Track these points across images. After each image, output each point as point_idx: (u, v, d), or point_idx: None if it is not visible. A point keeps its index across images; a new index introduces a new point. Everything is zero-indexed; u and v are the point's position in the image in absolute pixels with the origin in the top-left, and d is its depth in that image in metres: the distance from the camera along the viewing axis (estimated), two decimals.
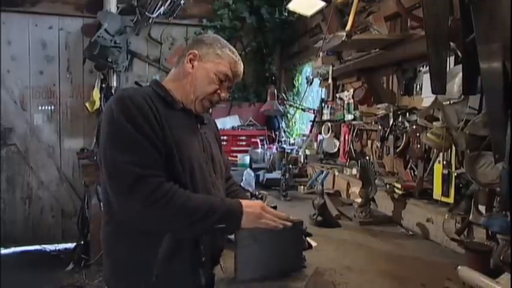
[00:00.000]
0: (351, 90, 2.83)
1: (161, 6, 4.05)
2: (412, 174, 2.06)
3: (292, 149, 3.40)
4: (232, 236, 1.29)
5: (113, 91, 4.06)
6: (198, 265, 1.18)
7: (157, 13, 4.08)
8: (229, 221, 1.13)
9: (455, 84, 1.55)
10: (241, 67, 1.30)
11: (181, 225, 1.10)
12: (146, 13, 4.07)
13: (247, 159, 3.35)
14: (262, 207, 1.18)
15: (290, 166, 2.81)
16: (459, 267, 1.21)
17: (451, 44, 1.47)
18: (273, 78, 4.65)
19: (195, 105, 1.25)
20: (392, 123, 2.15)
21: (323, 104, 3.15)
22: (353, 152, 2.78)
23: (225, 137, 3.90)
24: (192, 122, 1.28)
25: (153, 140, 1.09)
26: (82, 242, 3.73)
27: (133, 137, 1.07)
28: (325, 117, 3.05)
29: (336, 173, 2.68)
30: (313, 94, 3.93)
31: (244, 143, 4.14)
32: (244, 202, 1.17)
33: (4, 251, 4.02)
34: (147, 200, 1.04)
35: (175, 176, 1.12)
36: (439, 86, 1.35)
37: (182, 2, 4.12)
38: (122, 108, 1.09)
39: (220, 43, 1.28)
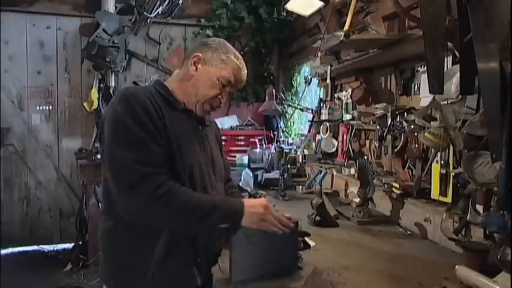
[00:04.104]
0: (349, 90, 2.83)
1: (159, 6, 4.05)
2: (410, 173, 2.06)
3: (290, 149, 3.40)
4: None
5: (111, 91, 4.05)
6: (193, 265, 1.18)
7: (155, 13, 4.08)
8: (230, 221, 1.13)
9: (452, 84, 1.56)
10: (244, 74, 1.30)
11: (184, 223, 1.10)
12: (144, 13, 4.07)
13: (245, 159, 3.34)
14: (265, 207, 1.17)
15: (288, 166, 2.81)
16: (457, 266, 1.21)
17: (449, 44, 1.48)
18: (272, 78, 4.66)
19: (195, 107, 1.25)
20: (391, 123, 2.15)
21: (321, 104, 3.15)
22: (351, 151, 2.79)
23: (223, 137, 3.85)
24: (194, 123, 1.28)
25: (158, 139, 1.10)
26: (80, 243, 3.72)
27: (138, 135, 1.07)
28: (324, 117, 3.05)
29: (334, 173, 2.69)
30: (311, 94, 3.92)
31: (242, 142, 4.14)
32: (246, 201, 1.18)
33: (2, 251, 4.00)
34: (150, 196, 1.04)
35: (174, 176, 1.12)
36: (436, 85, 1.35)
37: (180, 1, 4.12)
38: (126, 107, 1.09)
39: (226, 48, 1.28)
